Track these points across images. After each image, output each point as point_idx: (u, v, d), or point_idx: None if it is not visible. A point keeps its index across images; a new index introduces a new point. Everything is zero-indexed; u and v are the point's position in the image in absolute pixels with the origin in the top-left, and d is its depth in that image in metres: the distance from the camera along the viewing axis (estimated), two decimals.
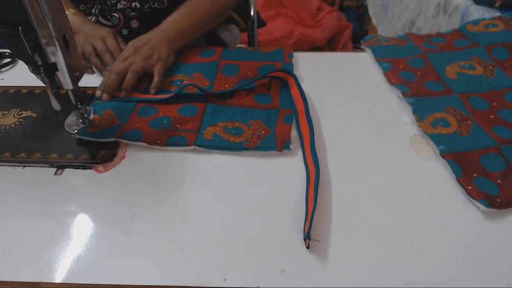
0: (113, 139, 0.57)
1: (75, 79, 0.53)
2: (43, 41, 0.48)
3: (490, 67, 0.69)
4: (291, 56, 0.74)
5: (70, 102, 0.56)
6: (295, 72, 0.68)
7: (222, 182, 0.52)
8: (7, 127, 0.61)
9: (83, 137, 0.58)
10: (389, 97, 0.66)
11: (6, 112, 0.64)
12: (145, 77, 0.69)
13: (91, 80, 0.69)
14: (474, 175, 0.51)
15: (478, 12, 1.00)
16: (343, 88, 0.69)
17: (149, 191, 0.51)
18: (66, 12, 0.68)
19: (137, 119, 0.60)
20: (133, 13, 0.80)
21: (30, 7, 0.45)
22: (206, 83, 0.68)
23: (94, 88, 0.66)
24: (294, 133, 0.59)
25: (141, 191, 0.51)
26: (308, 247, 0.43)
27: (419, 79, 0.68)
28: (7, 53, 0.78)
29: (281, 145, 0.56)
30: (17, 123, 0.61)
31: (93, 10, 0.80)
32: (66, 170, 0.54)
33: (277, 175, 0.53)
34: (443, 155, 0.54)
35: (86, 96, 0.66)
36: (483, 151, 0.54)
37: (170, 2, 0.81)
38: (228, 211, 0.49)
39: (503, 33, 0.75)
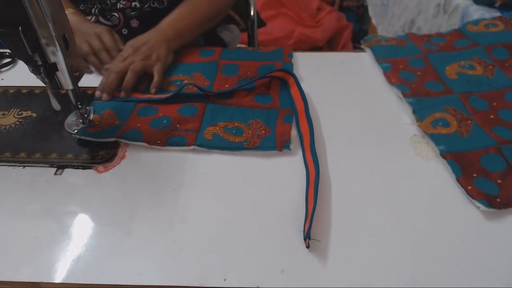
0: (113, 139, 0.57)
1: (75, 79, 0.53)
2: (43, 41, 0.48)
3: (490, 67, 0.69)
4: (291, 56, 0.74)
5: (70, 102, 0.56)
6: (295, 72, 0.68)
7: (222, 182, 0.52)
8: (7, 127, 0.61)
9: (83, 137, 0.58)
10: (389, 97, 0.66)
11: (6, 112, 0.64)
12: (144, 77, 0.69)
13: (91, 80, 0.69)
14: (474, 175, 0.51)
15: (478, 12, 1.00)
16: (343, 88, 0.69)
17: (149, 191, 0.51)
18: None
19: (137, 119, 0.60)
20: (133, 13, 0.80)
21: (30, 7, 0.45)
22: (206, 83, 0.68)
23: (94, 88, 0.66)
24: (294, 132, 0.59)
25: (141, 191, 0.51)
26: (308, 247, 0.43)
27: (419, 79, 0.68)
28: (7, 53, 0.78)
29: (281, 145, 0.56)
30: (17, 123, 0.61)
31: (93, 10, 0.80)
32: (66, 170, 0.54)
33: (277, 175, 0.53)
34: (443, 155, 0.54)
35: (86, 96, 0.66)
36: (483, 151, 0.54)
37: (170, 1, 0.81)
38: (228, 211, 0.49)
39: (503, 33, 0.75)
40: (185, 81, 0.68)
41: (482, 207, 0.47)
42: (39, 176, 0.54)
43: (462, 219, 0.47)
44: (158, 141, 0.57)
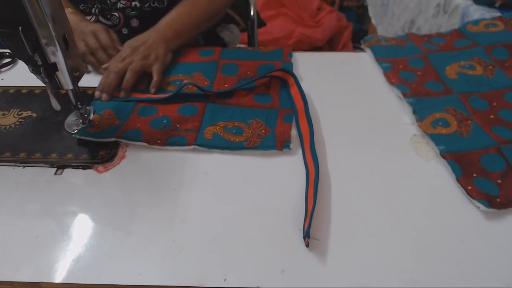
0: (113, 139, 0.57)
1: (75, 79, 0.53)
2: (43, 41, 0.48)
3: (490, 67, 0.69)
4: (290, 56, 0.74)
5: (70, 102, 0.56)
6: (295, 72, 0.68)
7: (222, 181, 0.52)
8: (7, 127, 0.61)
9: (83, 137, 0.58)
10: (389, 97, 0.66)
11: (6, 112, 0.64)
12: (144, 76, 0.69)
13: (91, 80, 0.69)
14: (474, 175, 0.51)
15: (478, 12, 1.00)
16: (343, 88, 0.69)
17: (149, 191, 0.51)
18: None
19: (137, 119, 0.60)
20: (133, 12, 0.80)
21: (30, 7, 0.45)
22: (205, 83, 0.68)
23: (94, 88, 0.66)
24: (294, 132, 0.59)
25: (141, 191, 0.51)
26: (307, 246, 0.43)
27: (419, 79, 0.68)
28: (7, 53, 0.78)
29: (281, 144, 0.56)
30: (17, 123, 0.61)
31: (93, 10, 0.80)
32: (66, 170, 0.54)
33: (277, 174, 0.53)
34: (443, 155, 0.54)
35: (86, 96, 0.66)
36: (483, 151, 0.54)
37: (170, 1, 0.81)
38: (228, 211, 0.49)
39: (503, 33, 0.75)
40: (185, 81, 0.68)
41: (482, 207, 0.47)
42: (39, 176, 0.54)
43: (462, 219, 0.47)
44: (158, 141, 0.57)
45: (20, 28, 0.46)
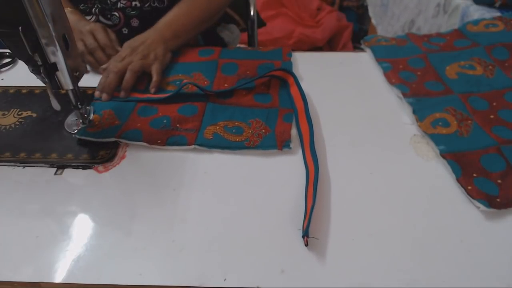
0: (113, 139, 0.57)
1: (75, 79, 0.53)
2: (43, 41, 0.48)
3: (490, 67, 0.69)
4: (290, 55, 0.74)
5: (70, 102, 0.56)
6: (295, 72, 0.68)
7: (222, 181, 0.52)
8: (7, 127, 0.61)
9: (83, 137, 0.58)
10: (389, 97, 0.66)
11: (6, 112, 0.64)
12: (144, 76, 0.69)
13: (91, 80, 0.69)
14: (474, 175, 0.51)
15: (478, 12, 1.00)
16: (343, 88, 0.69)
17: (149, 191, 0.51)
18: None
19: (137, 119, 0.60)
20: (134, 12, 0.80)
21: (30, 7, 0.45)
22: (205, 83, 0.68)
23: (94, 88, 0.66)
24: (294, 132, 0.59)
25: (141, 191, 0.51)
26: (306, 245, 0.43)
27: (419, 79, 0.68)
28: (7, 53, 0.78)
29: (281, 144, 0.56)
30: (17, 123, 0.61)
31: (93, 10, 0.80)
32: (66, 170, 0.54)
33: (278, 174, 0.53)
34: (443, 155, 0.54)
35: (86, 96, 0.66)
36: (483, 151, 0.54)
37: (170, 1, 0.81)
38: (228, 211, 0.49)
39: (503, 33, 0.75)
40: (185, 81, 0.68)
41: (482, 207, 0.47)
42: (39, 176, 0.54)
43: (462, 219, 0.47)
44: (158, 141, 0.57)
45: (20, 28, 0.46)
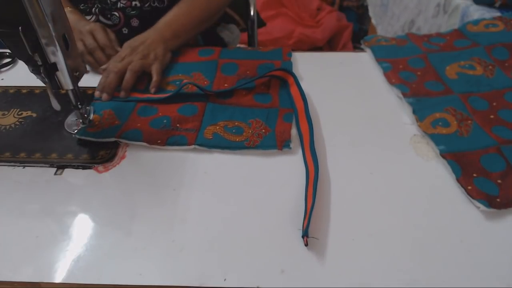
0: (113, 139, 0.57)
1: (75, 79, 0.53)
2: (43, 41, 0.48)
3: (490, 67, 0.69)
4: (290, 55, 0.74)
5: (70, 102, 0.56)
6: (295, 72, 0.68)
7: (222, 181, 0.52)
8: (7, 127, 0.61)
9: (83, 137, 0.58)
10: (389, 97, 0.66)
11: (6, 112, 0.64)
12: (144, 76, 0.69)
13: (91, 80, 0.69)
14: (474, 175, 0.51)
15: (478, 12, 1.00)
16: (343, 88, 0.69)
17: (149, 191, 0.51)
18: None
19: (137, 119, 0.60)
20: (133, 12, 0.80)
21: (30, 7, 0.45)
22: (205, 83, 0.68)
23: (94, 88, 0.66)
24: (294, 131, 0.59)
25: (141, 191, 0.51)
26: (306, 245, 0.43)
27: (419, 79, 0.68)
28: (7, 53, 0.78)
29: (281, 144, 0.56)
30: (17, 123, 0.61)
31: (93, 9, 0.80)
32: (66, 170, 0.54)
33: (278, 174, 0.53)
34: (443, 155, 0.54)
35: (86, 96, 0.66)
36: (483, 151, 0.54)
37: (170, 0, 0.81)
38: (228, 211, 0.49)
39: (503, 33, 0.75)
40: (185, 81, 0.68)
41: (482, 207, 0.47)
42: (39, 176, 0.54)
43: (462, 219, 0.47)
44: (158, 141, 0.57)
45: (20, 28, 0.46)
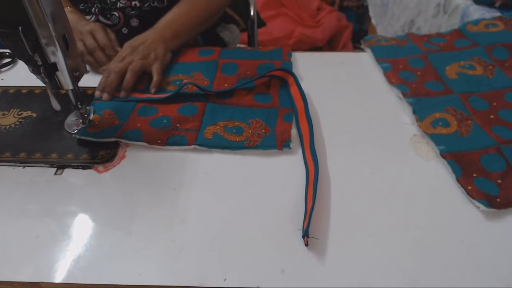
0: (113, 139, 0.57)
1: (75, 79, 0.53)
2: (43, 41, 0.48)
3: (490, 67, 0.69)
4: (290, 55, 0.74)
5: (70, 102, 0.56)
6: (295, 72, 0.68)
7: (222, 181, 0.52)
8: (7, 127, 0.61)
9: (83, 137, 0.58)
10: (389, 97, 0.66)
11: (6, 112, 0.64)
12: (144, 76, 0.69)
13: (91, 80, 0.69)
14: (474, 175, 0.51)
15: (478, 12, 1.00)
16: (343, 88, 0.69)
17: (149, 191, 0.51)
18: None
19: (137, 119, 0.60)
20: (133, 12, 0.80)
21: (30, 7, 0.45)
22: (205, 83, 0.68)
23: (94, 88, 0.66)
24: (294, 131, 0.59)
25: (141, 191, 0.51)
26: (306, 245, 0.43)
27: (419, 79, 0.68)
28: (7, 53, 0.78)
29: (281, 144, 0.56)
30: (17, 123, 0.61)
31: (93, 9, 0.80)
32: (66, 170, 0.54)
33: (278, 174, 0.53)
34: (443, 155, 0.54)
35: (86, 96, 0.66)
36: (483, 151, 0.54)
37: (169, 0, 0.81)
38: (228, 211, 0.49)
39: (503, 33, 0.75)
40: (185, 81, 0.68)
41: (482, 207, 0.47)
42: (39, 176, 0.54)
43: (462, 219, 0.47)
44: (158, 141, 0.57)
45: (20, 28, 0.46)
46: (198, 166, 0.55)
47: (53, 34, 0.47)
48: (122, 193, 0.51)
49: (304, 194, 0.49)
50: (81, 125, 0.59)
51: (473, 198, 0.48)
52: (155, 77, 0.67)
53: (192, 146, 0.56)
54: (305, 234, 0.44)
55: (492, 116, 0.60)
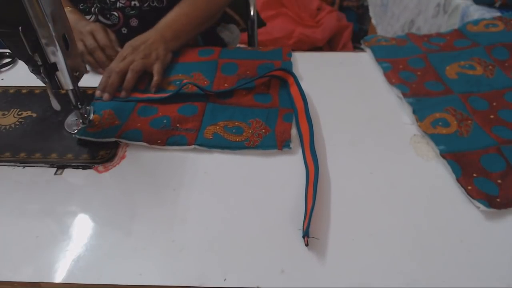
0: (113, 139, 0.57)
1: (75, 79, 0.53)
2: (43, 41, 0.48)
3: (490, 67, 0.69)
4: (290, 55, 0.74)
5: (70, 102, 0.56)
6: (295, 72, 0.68)
7: (222, 181, 0.52)
8: (7, 127, 0.61)
9: (83, 137, 0.58)
10: (389, 97, 0.66)
11: (6, 112, 0.64)
12: (144, 76, 0.69)
13: (91, 80, 0.69)
14: (474, 175, 0.51)
15: (478, 12, 1.00)
16: (343, 88, 0.69)
17: (149, 191, 0.51)
18: None
19: (137, 119, 0.60)
20: (133, 12, 0.80)
21: (30, 7, 0.45)
22: (205, 83, 0.68)
23: (94, 88, 0.66)
24: (294, 131, 0.59)
25: (141, 191, 0.51)
26: (307, 245, 0.43)
27: (419, 79, 0.68)
28: (7, 53, 0.78)
29: (281, 144, 0.56)
30: (17, 123, 0.61)
31: (92, 9, 0.80)
32: (66, 170, 0.54)
33: (278, 174, 0.53)
34: (443, 155, 0.54)
35: (86, 96, 0.66)
36: (483, 151, 0.54)
37: (169, 0, 0.81)
38: (228, 211, 0.49)
39: (503, 33, 0.75)
40: (185, 81, 0.68)
41: (482, 207, 0.47)
42: (39, 176, 0.54)
43: (462, 219, 0.47)
44: (158, 141, 0.57)
45: (20, 28, 0.46)
46: (198, 166, 0.55)
47: (53, 34, 0.47)
48: (122, 193, 0.51)
49: (304, 194, 0.49)
50: (81, 125, 0.59)
51: (473, 198, 0.48)
52: (155, 77, 0.67)
53: (192, 146, 0.56)
54: (305, 234, 0.44)
55: (492, 116, 0.60)
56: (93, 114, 0.61)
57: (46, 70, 0.51)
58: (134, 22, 0.81)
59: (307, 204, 0.48)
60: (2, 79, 0.73)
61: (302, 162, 0.55)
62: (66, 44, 0.50)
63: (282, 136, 0.57)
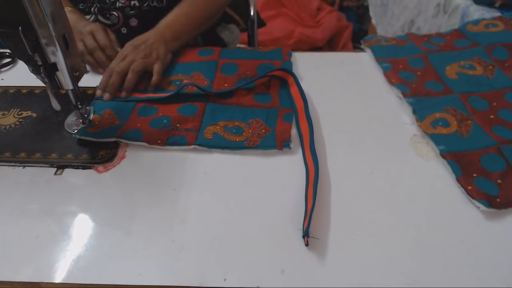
0: (113, 139, 0.57)
1: (75, 79, 0.53)
2: (43, 41, 0.48)
3: (490, 67, 0.69)
4: (290, 55, 0.74)
5: (70, 102, 0.56)
6: (295, 72, 0.68)
7: (222, 181, 0.52)
8: (7, 127, 0.61)
9: (83, 137, 0.58)
10: (389, 97, 0.66)
11: (6, 112, 0.64)
12: (144, 76, 0.69)
13: (91, 80, 0.69)
14: (474, 175, 0.51)
15: (478, 12, 1.00)
16: (343, 88, 0.69)
17: (149, 191, 0.51)
18: None
19: (137, 119, 0.60)
20: (132, 12, 0.80)
21: (30, 7, 0.45)
22: (205, 83, 0.68)
23: (94, 88, 0.66)
24: (294, 131, 0.59)
25: (141, 191, 0.51)
26: (307, 245, 0.43)
27: (419, 79, 0.68)
28: (7, 53, 0.78)
29: (281, 144, 0.56)
30: (17, 123, 0.61)
31: (92, 9, 0.80)
32: (66, 170, 0.54)
33: (278, 174, 0.53)
34: (443, 155, 0.54)
35: (86, 96, 0.66)
36: (483, 151, 0.54)
37: (169, 0, 0.81)
38: (228, 211, 0.49)
39: (503, 33, 0.75)
40: (185, 81, 0.68)
41: (482, 207, 0.47)
42: (39, 176, 0.54)
43: (462, 219, 0.47)
44: (158, 141, 0.57)
45: (20, 28, 0.46)
46: (198, 166, 0.55)
47: (53, 34, 0.47)
48: (122, 193, 0.51)
49: (304, 194, 0.49)
50: (81, 125, 0.59)
51: (473, 198, 0.48)
52: (154, 77, 0.67)
53: (192, 146, 0.56)
54: (305, 234, 0.44)
55: (492, 116, 0.60)
56: (93, 114, 0.61)
57: (46, 70, 0.51)
58: (133, 22, 0.81)
59: (307, 204, 0.48)
60: (2, 79, 0.73)
61: (302, 162, 0.55)
62: (66, 44, 0.50)
63: (282, 136, 0.57)
